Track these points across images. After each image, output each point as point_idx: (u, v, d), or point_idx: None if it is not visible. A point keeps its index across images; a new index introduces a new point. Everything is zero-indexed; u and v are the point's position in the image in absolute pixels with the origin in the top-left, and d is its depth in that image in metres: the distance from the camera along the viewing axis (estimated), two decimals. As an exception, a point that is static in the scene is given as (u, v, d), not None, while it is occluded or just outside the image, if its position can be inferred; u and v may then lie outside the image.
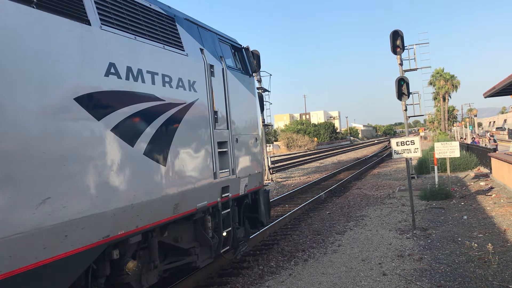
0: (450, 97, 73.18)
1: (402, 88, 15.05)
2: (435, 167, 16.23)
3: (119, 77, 4.77)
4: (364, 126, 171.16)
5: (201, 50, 6.73)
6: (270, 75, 23.42)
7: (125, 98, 4.83)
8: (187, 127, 5.93)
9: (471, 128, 49.38)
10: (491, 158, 18.22)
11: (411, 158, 18.46)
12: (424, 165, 22.55)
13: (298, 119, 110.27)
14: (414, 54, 17.24)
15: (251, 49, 8.98)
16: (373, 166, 31.25)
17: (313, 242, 9.63)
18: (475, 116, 64.11)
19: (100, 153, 4.40)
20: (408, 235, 9.58)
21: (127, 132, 4.78)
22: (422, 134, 72.46)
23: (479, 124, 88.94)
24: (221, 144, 6.93)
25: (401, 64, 16.40)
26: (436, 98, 72.33)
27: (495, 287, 6.13)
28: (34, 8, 3.91)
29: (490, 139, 31.32)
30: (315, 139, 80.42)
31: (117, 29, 4.92)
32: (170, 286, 6.80)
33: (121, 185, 4.63)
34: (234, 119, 7.48)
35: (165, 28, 5.94)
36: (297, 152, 63.17)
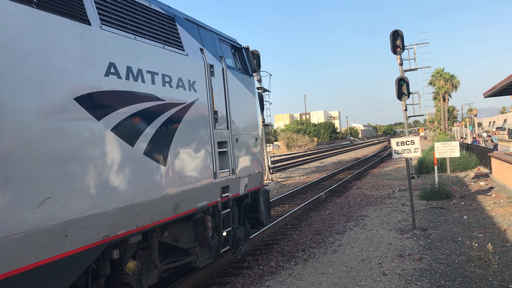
0: (450, 97, 73.18)
1: (402, 88, 15.05)
2: (435, 167, 16.23)
3: (119, 77, 4.77)
4: (364, 126, 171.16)
5: (201, 50, 6.73)
6: (270, 75, 23.42)
7: (125, 98, 4.83)
8: (187, 127, 5.92)
9: (471, 128, 49.36)
10: (491, 158, 18.23)
11: (411, 158, 18.45)
12: (424, 165, 22.56)
13: (298, 119, 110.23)
14: (414, 54, 17.22)
15: (251, 49, 8.98)
16: (373, 166, 31.25)
17: (313, 242, 9.63)
18: (475, 116, 64.08)
19: (100, 153, 4.40)
20: (408, 235, 9.58)
21: (127, 132, 4.78)
22: (422, 134, 72.46)
23: (479, 124, 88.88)
24: (221, 144, 6.93)
25: (401, 64, 16.39)
26: (436, 98, 72.31)
27: (495, 287, 6.13)
28: (34, 8, 3.91)
29: (487, 139, 31.18)
30: (315, 139, 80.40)
31: (117, 29, 4.92)
32: (170, 286, 6.80)
33: (121, 185, 4.63)
34: (234, 119, 7.47)
35: (165, 28, 5.94)
36: (297, 152, 63.16)
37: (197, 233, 6.45)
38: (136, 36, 5.22)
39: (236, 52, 8.30)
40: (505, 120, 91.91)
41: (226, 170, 7.03)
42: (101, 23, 4.69)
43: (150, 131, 5.15)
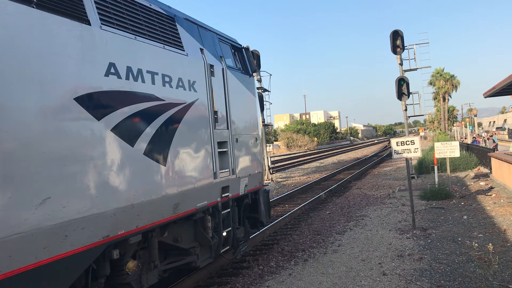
0: (450, 97, 73.20)
1: (402, 88, 15.06)
2: (435, 167, 16.23)
3: (119, 77, 4.77)
4: (364, 126, 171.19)
5: (201, 50, 6.73)
6: (270, 75, 23.41)
7: (125, 98, 4.83)
8: (187, 127, 5.92)
9: (471, 128, 49.33)
10: (491, 158, 18.23)
11: (411, 158, 18.46)
12: (424, 165, 22.56)
13: (298, 119, 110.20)
14: (414, 54, 17.23)
15: (251, 49, 8.98)
16: (373, 166, 31.25)
17: (313, 242, 9.63)
18: (475, 116, 64.01)
19: (100, 153, 4.40)
20: (408, 235, 9.58)
21: (127, 132, 4.78)
22: (422, 134, 72.42)
23: (479, 124, 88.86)
24: (221, 144, 6.93)
25: (401, 64, 16.40)
26: (436, 98, 72.33)
27: (495, 287, 6.13)
28: (34, 8, 3.91)
29: (489, 138, 31.29)
30: (315, 139, 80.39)
31: (117, 29, 4.92)
32: (170, 286, 6.80)
33: (121, 185, 4.63)
34: (234, 119, 7.47)
35: (165, 28, 5.94)
36: (297, 152, 63.16)
37: (197, 233, 6.45)
38: (136, 36, 5.22)
39: (236, 52, 8.30)
40: (505, 120, 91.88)
41: (226, 170, 7.03)
42: (101, 23, 4.69)
43: (150, 131, 5.16)
